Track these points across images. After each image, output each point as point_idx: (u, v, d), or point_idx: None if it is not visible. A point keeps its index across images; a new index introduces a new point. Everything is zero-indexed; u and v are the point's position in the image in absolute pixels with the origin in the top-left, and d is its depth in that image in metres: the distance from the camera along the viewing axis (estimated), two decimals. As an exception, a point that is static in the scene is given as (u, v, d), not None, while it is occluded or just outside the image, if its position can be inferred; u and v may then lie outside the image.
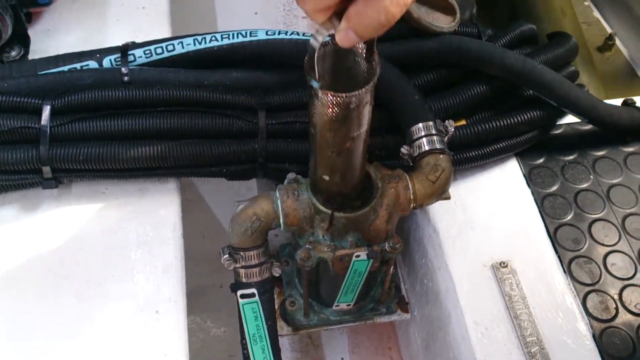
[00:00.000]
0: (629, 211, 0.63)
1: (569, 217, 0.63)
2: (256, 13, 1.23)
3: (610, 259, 0.60)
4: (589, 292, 0.57)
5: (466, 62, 0.63)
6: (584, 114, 0.64)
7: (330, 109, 0.44)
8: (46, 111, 0.58)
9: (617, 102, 0.72)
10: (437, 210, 0.63)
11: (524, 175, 0.66)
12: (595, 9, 1.32)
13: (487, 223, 0.62)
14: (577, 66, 1.06)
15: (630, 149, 0.68)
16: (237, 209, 0.55)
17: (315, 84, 0.44)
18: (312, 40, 0.41)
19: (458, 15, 0.66)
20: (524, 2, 1.09)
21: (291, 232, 0.57)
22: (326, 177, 0.51)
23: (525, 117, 0.64)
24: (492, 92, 0.64)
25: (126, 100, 0.59)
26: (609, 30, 1.23)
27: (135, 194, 0.61)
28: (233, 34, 0.65)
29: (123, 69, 0.61)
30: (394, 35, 0.66)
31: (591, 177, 0.66)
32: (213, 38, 0.65)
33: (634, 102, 0.68)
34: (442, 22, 0.65)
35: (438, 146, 0.58)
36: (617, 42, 1.22)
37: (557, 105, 0.63)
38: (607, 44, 1.19)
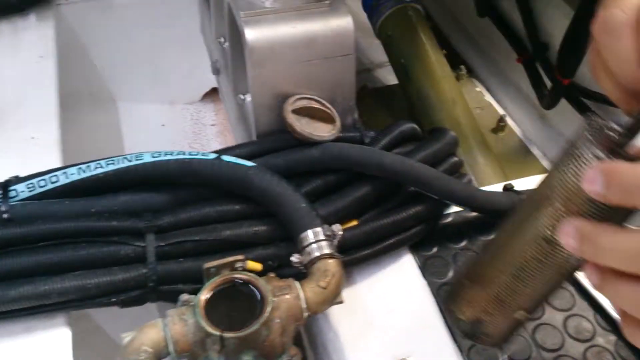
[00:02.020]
0: (520, 293, 0.65)
1: (466, 306, 0.64)
2: (163, 125, 1.25)
3: (508, 341, 0.61)
4: (489, 382, 0.58)
5: (349, 167, 0.66)
6: (464, 204, 0.67)
7: None
8: None
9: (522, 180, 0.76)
10: (338, 313, 0.64)
11: (419, 267, 0.68)
12: (487, 93, 1.43)
13: (386, 321, 0.63)
14: (473, 149, 1.12)
15: (516, 231, 0.71)
16: (123, 342, 0.54)
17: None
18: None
19: (338, 123, 0.69)
20: (419, 96, 1.16)
21: (184, 358, 0.55)
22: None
23: (412, 212, 0.66)
24: (378, 192, 0.67)
25: (5, 239, 0.57)
26: (501, 112, 1.32)
27: (22, 334, 0.59)
28: (118, 160, 0.66)
29: (2, 207, 0.60)
30: (279, 146, 0.69)
31: (482, 263, 0.68)
32: (98, 165, 0.65)
33: (512, 187, 0.72)
34: (322, 131, 0.68)
35: (326, 251, 0.59)
36: (510, 122, 1.31)
37: (438, 198, 0.66)
38: (500, 125, 1.27)
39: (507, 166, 1.13)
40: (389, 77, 1.36)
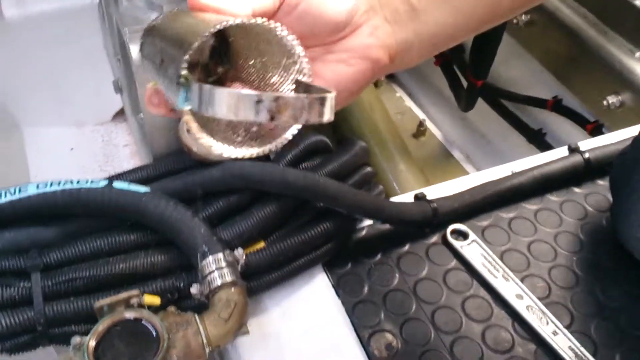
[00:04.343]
0: (436, 306, 0.64)
1: (380, 322, 0.62)
2: (72, 149, 1.19)
3: (426, 358, 0.59)
4: (405, 402, 0.56)
5: (251, 186, 0.63)
6: (373, 217, 0.65)
7: None
8: None
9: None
10: (249, 342, 0.60)
11: (333, 286, 0.65)
12: (407, 98, 1.43)
13: (299, 346, 0.60)
14: (394, 156, 1.11)
15: (430, 240, 0.70)
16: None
17: None
18: None
19: (238, 139, 0.66)
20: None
21: (73, 409, 0.51)
22: None
23: (320, 229, 0.63)
24: (284, 210, 0.64)
25: None
26: (421, 117, 1.32)
27: None
28: (0, 193, 0.60)
29: None
30: (177, 168, 0.65)
31: (397, 275, 0.66)
32: (-22, 201, 0.60)
33: (425, 196, 0.70)
34: (222, 149, 0.64)
35: (229, 279, 0.55)
36: (430, 126, 1.31)
37: (347, 213, 0.64)
38: (420, 130, 1.27)
39: (428, 171, 1.13)
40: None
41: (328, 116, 0.40)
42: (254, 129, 0.46)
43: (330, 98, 0.40)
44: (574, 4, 0.98)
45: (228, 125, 0.47)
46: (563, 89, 1.06)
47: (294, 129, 0.44)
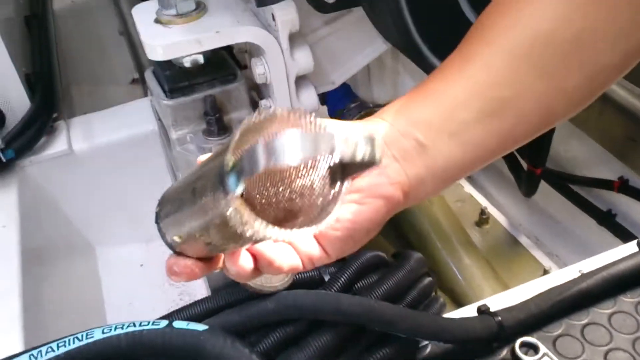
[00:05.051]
0: None
1: None
2: (142, 265, 1.23)
3: None
4: None
5: (305, 315, 0.63)
6: (434, 339, 0.63)
7: None
8: None
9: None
10: None
11: (398, 414, 0.62)
12: (467, 184, 1.40)
13: None
14: (457, 249, 1.09)
15: (499, 356, 0.66)
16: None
17: None
18: None
19: (291, 267, 0.66)
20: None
21: None
22: None
23: (381, 354, 0.62)
24: (341, 337, 0.63)
25: None
26: (483, 203, 1.29)
27: None
28: (68, 340, 0.63)
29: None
30: (234, 300, 0.66)
31: (466, 399, 0.63)
32: (49, 349, 0.63)
33: (488, 308, 0.67)
34: (275, 280, 0.65)
35: (288, 422, 0.54)
36: (492, 212, 1.28)
37: (406, 336, 0.62)
38: (482, 218, 1.24)
39: (495, 261, 1.09)
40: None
41: (379, 156, 0.40)
42: (301, 219, 0.46)
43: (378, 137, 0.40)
44: (628, 84, 0.95)
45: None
46: (627, 169, 1.01)
47: (337, 210, 0.42)
